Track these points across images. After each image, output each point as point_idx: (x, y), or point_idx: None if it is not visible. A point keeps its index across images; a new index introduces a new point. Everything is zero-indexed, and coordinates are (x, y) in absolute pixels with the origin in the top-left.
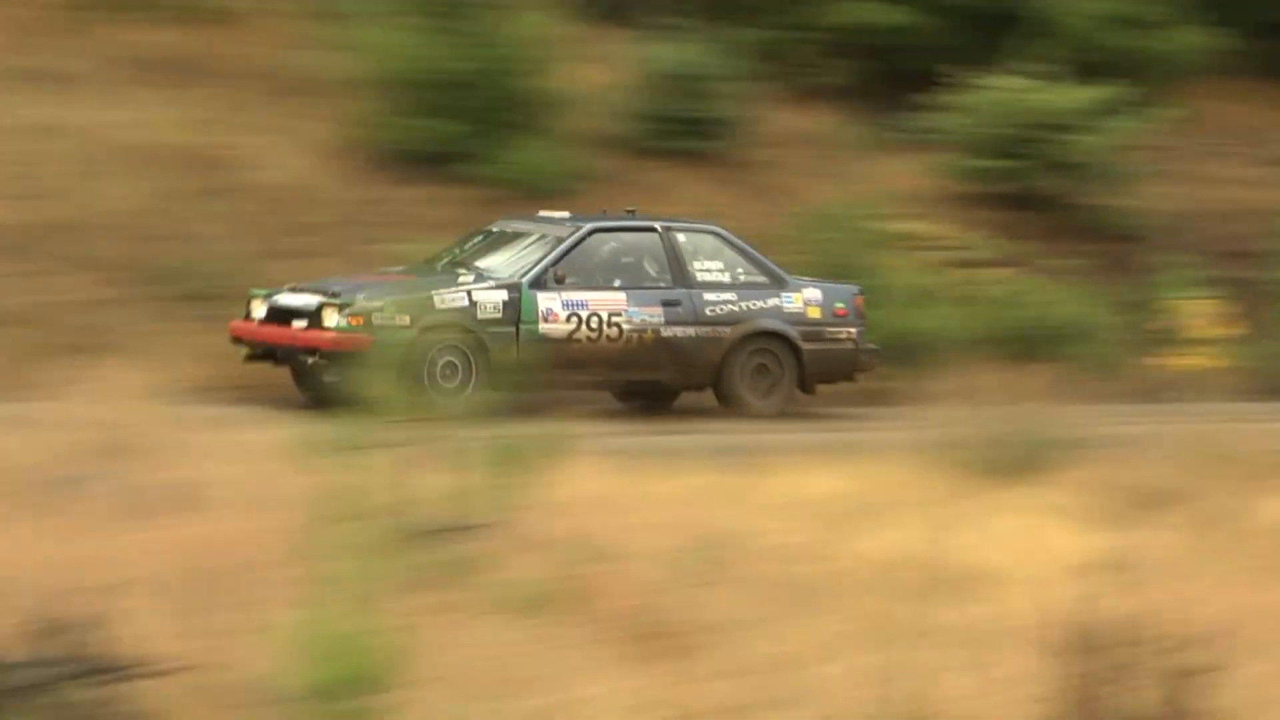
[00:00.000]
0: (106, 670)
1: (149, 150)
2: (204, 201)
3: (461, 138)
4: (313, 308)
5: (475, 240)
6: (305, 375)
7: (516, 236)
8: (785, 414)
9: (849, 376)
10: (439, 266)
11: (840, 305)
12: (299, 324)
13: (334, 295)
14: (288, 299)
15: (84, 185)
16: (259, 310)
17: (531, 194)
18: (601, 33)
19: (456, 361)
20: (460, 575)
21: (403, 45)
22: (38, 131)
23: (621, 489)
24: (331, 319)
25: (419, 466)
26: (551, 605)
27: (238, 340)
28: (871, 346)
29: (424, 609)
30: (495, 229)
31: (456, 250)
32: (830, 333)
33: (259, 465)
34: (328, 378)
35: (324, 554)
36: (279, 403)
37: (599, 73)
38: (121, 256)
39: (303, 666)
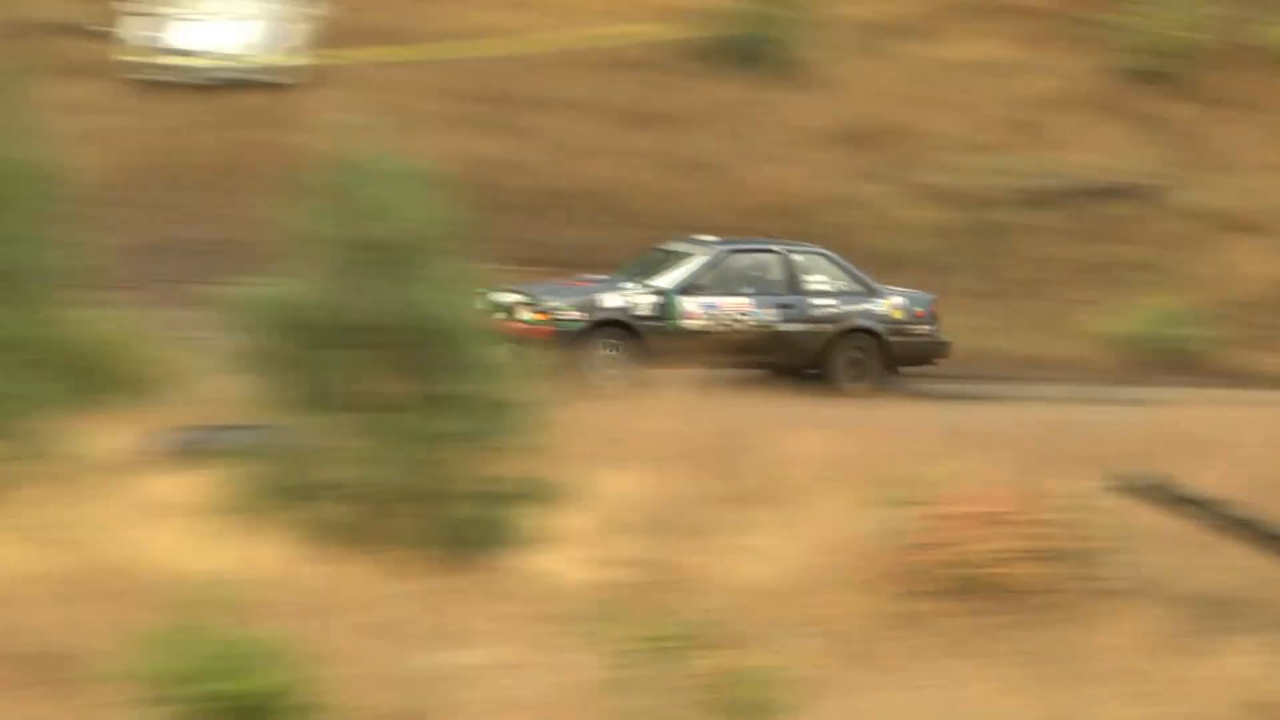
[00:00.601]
0: None
1: None
2: None
3: None
4: (512, 304)
5: (652, 256)
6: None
7: (678, 254)
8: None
9: (926, 362)
10: (619, 275)
11: (919, 309)
12: (501, 316)
13: (528, 295)
14: (499, 296)
15: None
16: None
17: None
18: None
19: (616, 351)
20: None
21: None
22: None
23: None
24: (523, 314)
25: None
26: None
27: None
28: (944, 340)
29: None
30: (668, 248)
31: (638, 262)
32: (910, 329)
33: None
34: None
35: None
36: None
37: None
38: None
39: None
